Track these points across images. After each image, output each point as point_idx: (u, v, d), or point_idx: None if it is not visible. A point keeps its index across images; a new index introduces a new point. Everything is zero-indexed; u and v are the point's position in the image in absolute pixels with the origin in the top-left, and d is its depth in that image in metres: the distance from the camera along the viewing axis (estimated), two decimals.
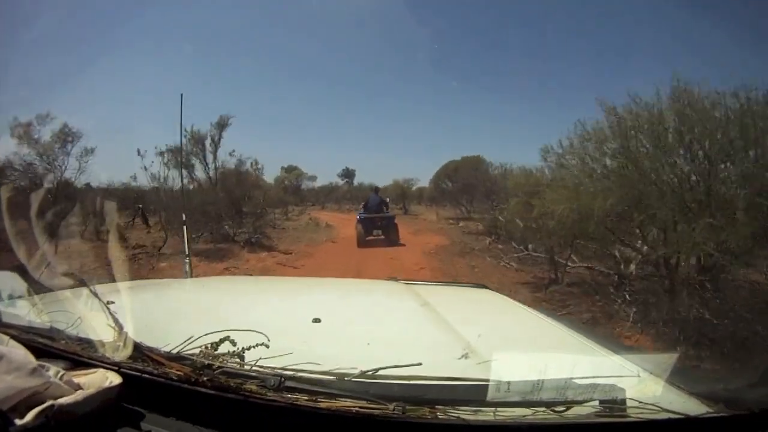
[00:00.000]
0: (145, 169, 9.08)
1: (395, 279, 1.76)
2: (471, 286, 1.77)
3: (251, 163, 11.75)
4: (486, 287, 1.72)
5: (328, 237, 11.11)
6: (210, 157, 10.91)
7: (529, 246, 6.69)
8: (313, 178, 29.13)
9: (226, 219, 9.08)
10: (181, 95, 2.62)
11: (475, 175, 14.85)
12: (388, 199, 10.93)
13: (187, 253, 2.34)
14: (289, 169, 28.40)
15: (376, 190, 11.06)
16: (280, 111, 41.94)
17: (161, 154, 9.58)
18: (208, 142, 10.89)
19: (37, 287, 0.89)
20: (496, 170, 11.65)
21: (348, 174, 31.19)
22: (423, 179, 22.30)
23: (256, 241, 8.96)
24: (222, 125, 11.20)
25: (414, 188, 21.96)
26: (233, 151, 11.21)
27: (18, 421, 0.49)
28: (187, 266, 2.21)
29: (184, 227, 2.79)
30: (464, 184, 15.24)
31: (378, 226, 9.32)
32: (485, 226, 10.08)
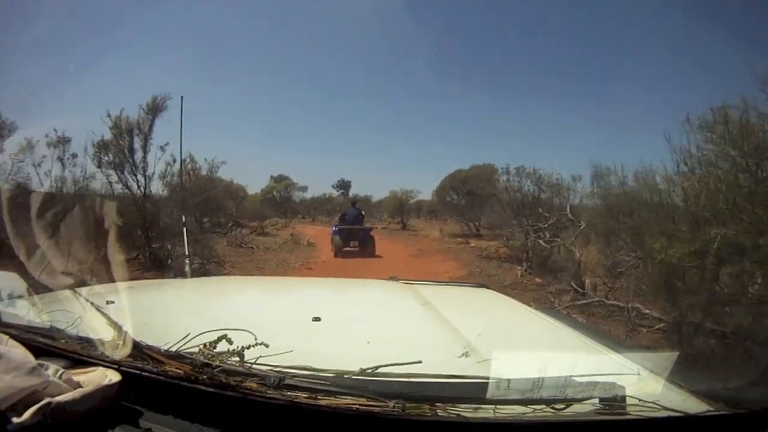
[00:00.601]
0: (36, 166, 6.76)
1: (395, 278, 1.76)
2: (471, 286, 1.77)
3: (185, 160, 8.59)
4: (486, 286, 1.73)
5: (305, 261, 8.93)
6: (139, 155, 7.36)
7: (586, 283, 4.85)
8: (304, 189, 26.91)
9: (161, 236, 6.92)
10: (181, 98, 2.60)
11: (487, 185, 12.98)
12: (364, 212, 10.95)
13: (187, 253, 2.35)
14: (279, 179, 26.39)
15: (353, 202, 11.20)
16: (274, 118, 39.67)
17: (54, 145, 6.89)
18: (135, 132, 7.42)
19: (36, 287, 0.89)
20: (528, 177, 8.58)
21: (343, 185, 29.31)
22: (423, 191, 19.93)
23: (199, 268, 6.68)
24: (155, 110, 7.39)
25: (413, 201, 19.29)
26: (166, 144, 7.60)
27: (15, 419, 0.49)
28: (187, 266, 2.23)
29: (184, 228, 2.81)
30: (474, 197, 13.68)
31: (355, 238, 9.40)
32: (512, 249, 8.22)
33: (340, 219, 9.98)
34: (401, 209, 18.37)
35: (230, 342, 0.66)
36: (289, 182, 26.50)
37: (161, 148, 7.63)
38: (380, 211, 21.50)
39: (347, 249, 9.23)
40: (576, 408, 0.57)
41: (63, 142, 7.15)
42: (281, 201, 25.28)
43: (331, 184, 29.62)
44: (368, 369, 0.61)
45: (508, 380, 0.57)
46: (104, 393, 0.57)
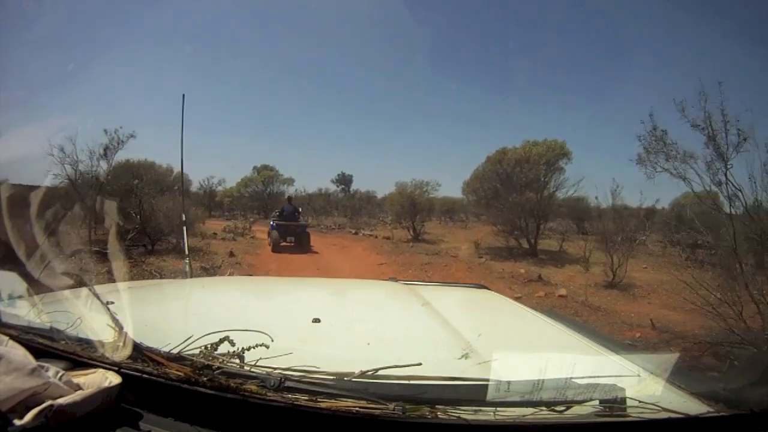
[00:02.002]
0: None
1: (395, 279, 1.76)
2: (471, 287, 1.77)
3: None
4: (486, 287, 1.72)
5: None
6: None
7: None
8: (290, 181, 21.22)
9: None
10: (183, 95, 2.63)
11: (544, 175, 9.28)
12: (300, 209, 11.45)
13: (187, 253, 2.35)
14: (261, 170, 21.46)
15: (290, 199, 11.53)
16: (268, 109, 37.18)
17: None
18: None
19: (37, 287, 0.89)
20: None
21: (344, 180, 25.70)
22: (443, 184, 14.24)
23: None
24: None
25: (427, 196, 13.06)
26: None
27: (17, 422, 0.49)
28: (187, 267, 2.23)
29: (184, 228, 2.81)
30: (530, 188, 9.23)
31: (291, 233, 9.86)
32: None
33: (279, 215, 10.28)
34: (413, 210, 12.50)
35: (232, 343, 0.66)
36: (272, 173, 21.16)
37: None
38: (384, 211, 16.33)
39: (284, 244, 9.68)
40: (576, 410, 0.57)
41: None
42: (265, 196, 20.32)
43: (331, 179, 26.22)
44: (368, 371, 0.61)
45: (509, 382, 0.57)
46: (105, 395, 0.57)
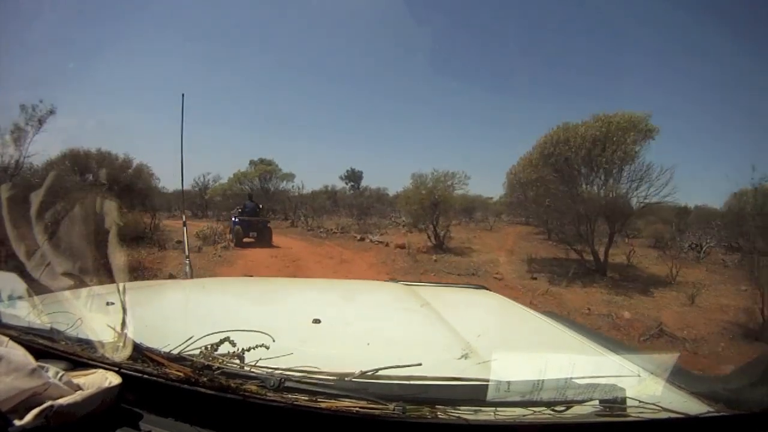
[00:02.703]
0: None
1: (395, 280, 1.76)
2: (471, 287, 1.77)
3: None
4: (486, 288, 1.73)
5: None
6: None
7: None
8: (290, 177, 18.21)
9: None
10: (182, 95, 2.61)
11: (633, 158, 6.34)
12: (261, 205, 11.78)
13: (187, 254, 2.35)
14: (258, 164, 18.79)
15: (250, 196, 11.85)
16: (272, 104, 35.17)
17: None
18: None
19: (37, 288, 0.89)
20: None
21: (353, 176, 23.58)
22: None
23: None
24: None
25: (452, 192, 9.91)
26: None
27: (17, 422, 0.49)
28: (188, 267, 2.22)
29: (184, 228, 2.80)
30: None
31: (254, 229, 10.13)
32: None
33: (241, 211, 10.58)
34: (434, 209, 9.59)
35: (232, 344, 0.66)
36: (270, 167, 18.38)
37: None
38: (396, 210, 13.50)
39: (246, 239, 9.88)
40: (576, 410, 0.57)
41: None
42: (262, 194, 16.77)
43: (339, 175, 23.69)
44: (368, 371, 0.61)
45: (508, 382, 0.57)
46: (105, 395, 0.57)
